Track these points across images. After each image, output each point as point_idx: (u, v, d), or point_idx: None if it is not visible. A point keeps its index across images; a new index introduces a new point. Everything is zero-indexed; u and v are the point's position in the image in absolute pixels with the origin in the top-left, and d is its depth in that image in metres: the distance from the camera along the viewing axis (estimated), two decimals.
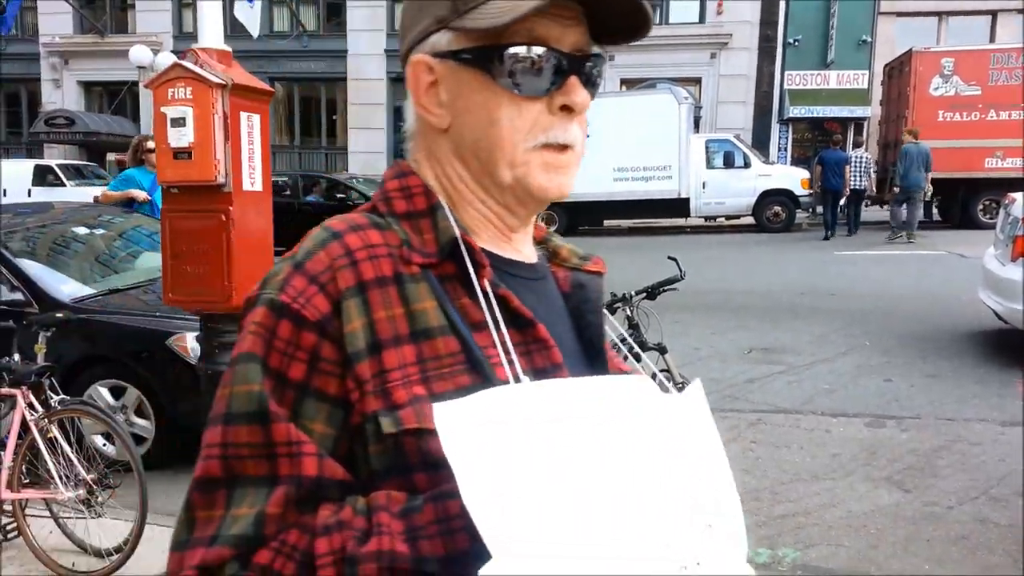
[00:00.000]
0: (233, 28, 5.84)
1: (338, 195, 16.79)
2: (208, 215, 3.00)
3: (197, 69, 2.93)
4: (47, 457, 3.45)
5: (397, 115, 25.01)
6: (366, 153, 24.73)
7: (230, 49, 3.11)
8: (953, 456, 4.53)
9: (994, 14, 22.62)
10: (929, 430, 4.92)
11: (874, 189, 17.10)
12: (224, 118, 2.95)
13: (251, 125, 3.07)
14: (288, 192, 16.94)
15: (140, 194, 7.35)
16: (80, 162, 22.28)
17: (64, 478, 3.45)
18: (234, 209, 2.99)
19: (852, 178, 15.69)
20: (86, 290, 5.27)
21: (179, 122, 2.95)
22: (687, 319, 7.76)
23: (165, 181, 3.07)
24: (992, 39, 21.63)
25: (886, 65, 19.47)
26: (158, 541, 3.68)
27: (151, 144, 7.36)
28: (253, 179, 3.09)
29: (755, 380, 6.09)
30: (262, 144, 3.14)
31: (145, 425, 4.92)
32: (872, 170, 16.43)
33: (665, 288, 4.15)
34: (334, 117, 25.85)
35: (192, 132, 2.93)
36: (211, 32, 3.10)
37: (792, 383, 6.01)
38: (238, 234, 3.00)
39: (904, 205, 14.80)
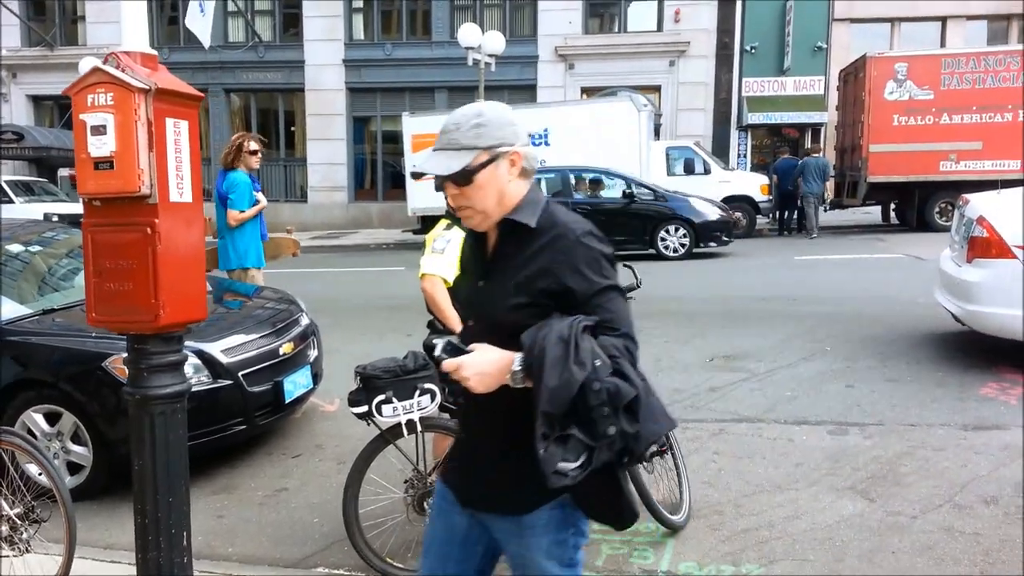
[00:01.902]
0: (188, 40, 5.64)
1: (604, 191, 14.72)
2: (132, 228, 2.79)
3: (118, 73, 2.73)
4: None
5: (356, 125, 24.76)
6: (326, 164, 24.44)
7: (155, 52, 2.92)
8: (916, 462, 4.45)
9: (944, 20, 23.06)
10: (891, 436, 4.85)
11: (830, 193, 18.77)
12: (148, 125, 2.75)
13: (178, 132, 2.87)
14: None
15: (263, 200, 6.99)
16: (30, 178, 21.70)
17: None
18: (160, 222, 2.78)
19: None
20: (22, 310, 5.01)
21: (99, 130, 2.74)
22: (647, 328, 7.65)
23: (86, 193, 2.85)
24: (943, 44, 22.05)
25: (841, 71, 19.72)
26: None
27: (254, 145, 6.85)
28: (181, 189, 2.89)
29: (717, 388, 6.00)
30: (191, 152, 2.93)
31: (82, 452, 4.68)
32: (830, 174, 17.91)
33: None
34: (292, 128, 25.51)
35: (113, 140, 2.72)
36: (134, 34, 2.90)
37: (755, 390, 5.92)
38: (165, 249, 2.80)
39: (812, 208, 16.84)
